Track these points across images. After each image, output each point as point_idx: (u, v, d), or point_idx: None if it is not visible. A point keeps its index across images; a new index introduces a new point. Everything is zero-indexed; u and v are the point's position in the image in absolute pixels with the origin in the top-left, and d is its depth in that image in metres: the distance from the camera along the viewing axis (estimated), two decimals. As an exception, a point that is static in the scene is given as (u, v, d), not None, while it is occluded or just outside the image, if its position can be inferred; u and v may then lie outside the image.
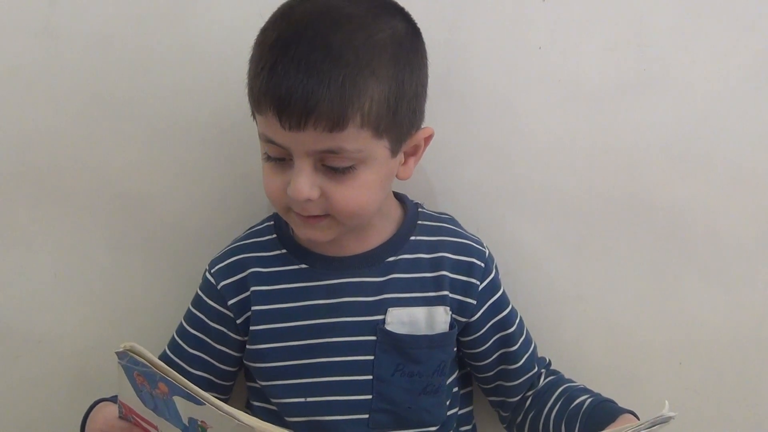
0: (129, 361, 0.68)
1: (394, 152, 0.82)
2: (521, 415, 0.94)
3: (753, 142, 0.98)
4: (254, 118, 0.84)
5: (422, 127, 0.86)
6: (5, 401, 1.06)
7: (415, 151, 0.87)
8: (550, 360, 0.97)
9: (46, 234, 1.01)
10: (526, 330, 0.95)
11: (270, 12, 0.82)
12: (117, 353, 0.68)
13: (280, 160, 0.81)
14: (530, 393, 0.94)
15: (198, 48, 0.97)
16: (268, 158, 0.82)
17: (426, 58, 0.85)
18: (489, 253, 0.92)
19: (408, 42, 0.82)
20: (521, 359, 0.93)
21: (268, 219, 0.94)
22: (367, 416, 0.88)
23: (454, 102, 0.97)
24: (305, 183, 0.79)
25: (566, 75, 0.97)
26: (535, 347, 0.95)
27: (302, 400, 0.88)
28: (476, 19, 0.97)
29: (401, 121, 0.81)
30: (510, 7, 0.96)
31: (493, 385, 0.95)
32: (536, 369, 0.94)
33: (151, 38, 0.97)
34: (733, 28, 0.96)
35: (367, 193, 0.81)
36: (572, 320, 1.02)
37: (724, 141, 0.98)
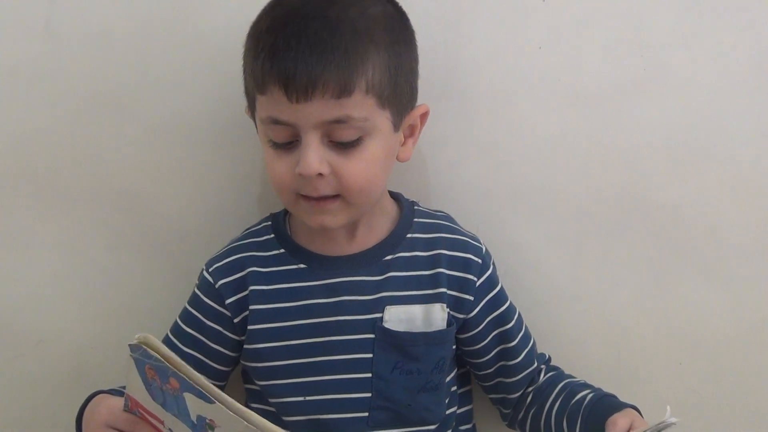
0: (141, 354, 0.68)
1: (396, 126, 0.83)
2: (522, 411, 0.94)
3: (753, 141, 0.98)
4: (251, 111, 0.84)
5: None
6: (5, 401, 1.06)
7: (412, 132, 0.88)
8: (549, 356, 0.97)
9: (46, 234, 1.01)
10: (525, 326, 0.95)
11: (269, 12, 0.82)
12: (130, 345, 0.68)
13: (286, 145, 0.81)
14: (531, 389, 0.94)
15: (198, 48, 0.97)
16: (274, 145, 0.82)
17: (415, 38, 0.87)
18: (486, 249, 0.92)
19: (398, 19, 0.85)
20: (520, 355, 0.93)
21: (265, 219, 0.94)
22: (366, 414, 0.88)
23: (453, 102, 0.97)
24: (314, 158, 0.79)
25: (566, 75, 0.97)
26: (534, 343, 0.95)
27: (301, 399, 0.88)
28: (476, 19, 0.97)
29: (401, 92, 0.83)
30: (510, 7, 0.96)
31: (493, 382, 0.95)
32: (536, 365, 0.94)
33: (151, 38, 0.97)
34: (733, 28, 0.96)
35: (374, 167, 0.82)
36: (572, 320, 1.02)
37: (723, 141, 0.98)
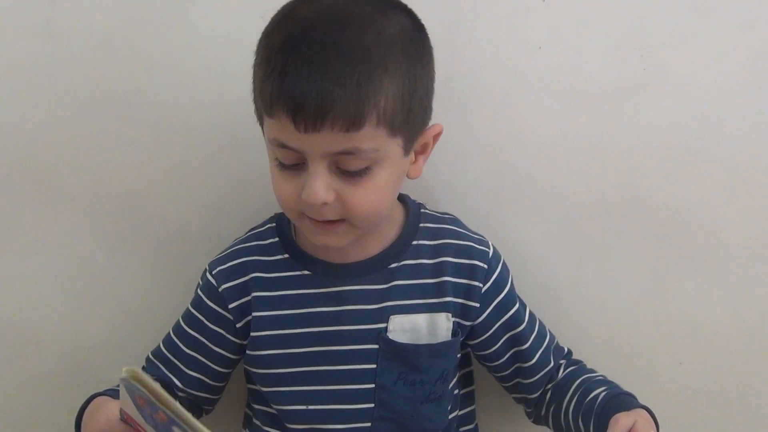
0: (131, 386, 0.67)
1: (406, 150, 0.81)
2: (544, 408, 0.93)
3: (753, 141, 0.98)
4: (260, 123, 0.82)
5: (431, 124, 0.85)
6: (5, 401, 1.06)
7: (424, 150, 0.86)
8: (569, 350, 0.96)
9: (46, 234, 1.01)
10: (539, 324, 0.93)
11: (270, 13, 0.82)
12: (120, 378, 0.67)
13: (293, 166, 0.79)
14: (550, 386, 0.93)
15: (198, 48, 0.97)
16: (280, 165, 0.80)
17: (432, 53, 0.84)
18: (493, 252, 0.90)
19: (416, 37, 0.81)
20: (535, 356, 0.91)
21: (269, 220, 0.92)
22: (369, 425, 0.87)
23: (454, 102, 0.97)
24: (321, 187, 0.76)
25: (566, 75, 0.97)
26: (551, 340, 0.93)
27: (303, 407, 0.87)
28: (476, 19, 0.97)
29: (414, 117, 0.80)
30: (510, 7, 0.96)
31: (512, 383, 0.94)
32: (552, 363, 0.92)
33: (152, 38, 0.97)
34: (733, 28, 0.96)
35: (382, 194, 0.80)
36: (572, 320, 1.02)
37: (723, 141, 0.98)
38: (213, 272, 0.89)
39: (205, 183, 1.01)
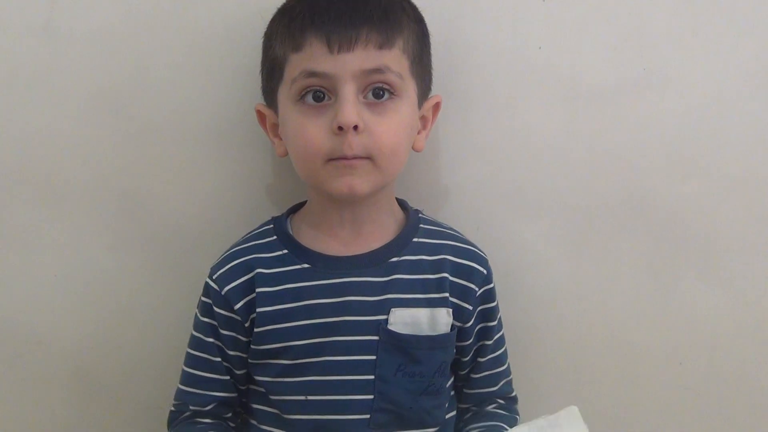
0: None
1: (419, 101, 0.87)
2: (461, 423, 0.94)
3: (752, 142, 0.98)
4: (272, 86, 0.85)
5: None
6: (5, 401, 1.06)
7: (425, 125, 0.91)
8: (516, 396, 0.96)
9: (46, 234, 1.01)
10: (504, 353, 0.94)
11: (271, 12, 0.82)
12: None
13: (317, 97, 0.82)
14: (475, 408, 0.94)
15: (199, 48, 0.97)
16: (303, 107, 0.83)
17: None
18: (490, 264, 0.92)
19: (423, 18, 0.90)
20: (483, 371, 0.93)
21: (266, 223, 0.93)
22: (368, 416, 0.87)
23: (454, 102, 0.97)
24: (352, 110, 0.81)
25: (566, 75, 0.97)
26: (505, 372, 0.95)
27: (302, 398, 0.87)
28: (476, 19, 0.97)
29: (424, 70, 0.88)
30: (510, 7, 0.96)
31: (459, 385, 0.95)
32: (494, 389, 0.94)
33: (152, 38, 0.97)
34: (733, 29, 0.96)
35: (403, 129, 0.85)
36: (572, 320, 1.02)
37: (723, 141, 0.98)
38: (213, 277, 0.89)
39: (205, 183, 1.01)
